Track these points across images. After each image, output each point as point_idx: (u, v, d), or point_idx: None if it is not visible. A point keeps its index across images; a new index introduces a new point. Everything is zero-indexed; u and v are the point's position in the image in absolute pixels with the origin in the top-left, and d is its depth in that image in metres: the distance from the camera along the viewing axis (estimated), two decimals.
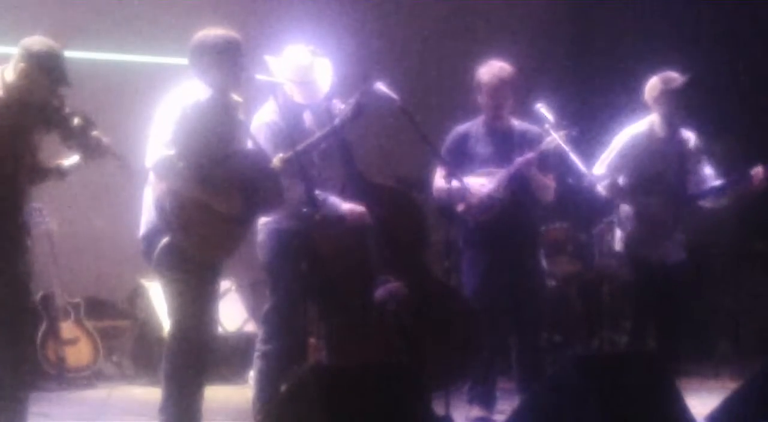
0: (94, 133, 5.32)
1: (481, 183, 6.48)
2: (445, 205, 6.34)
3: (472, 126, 6.68)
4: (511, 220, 6.48)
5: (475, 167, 6.54)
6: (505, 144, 6.57)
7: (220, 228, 5.39)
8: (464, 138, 6.64)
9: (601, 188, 6.70)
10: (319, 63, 6.03)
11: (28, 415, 5.35)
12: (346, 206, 6.00)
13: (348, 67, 6.37)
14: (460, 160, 6.56)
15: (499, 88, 6.52)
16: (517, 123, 6.65)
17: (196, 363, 5.49)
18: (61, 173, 5.51)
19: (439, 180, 6.43)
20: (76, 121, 5.27)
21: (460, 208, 6.45)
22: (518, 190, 6.49)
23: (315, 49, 6.06)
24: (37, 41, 5.25)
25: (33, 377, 7.07)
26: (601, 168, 6.68)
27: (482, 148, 6.59)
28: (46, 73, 5.20)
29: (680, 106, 6.65)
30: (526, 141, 6.53)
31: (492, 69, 6.56)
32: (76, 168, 5.51)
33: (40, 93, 5.22)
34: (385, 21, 9.54)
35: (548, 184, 6.55)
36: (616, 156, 6.69)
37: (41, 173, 5.46)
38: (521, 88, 6.62)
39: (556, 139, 6.42)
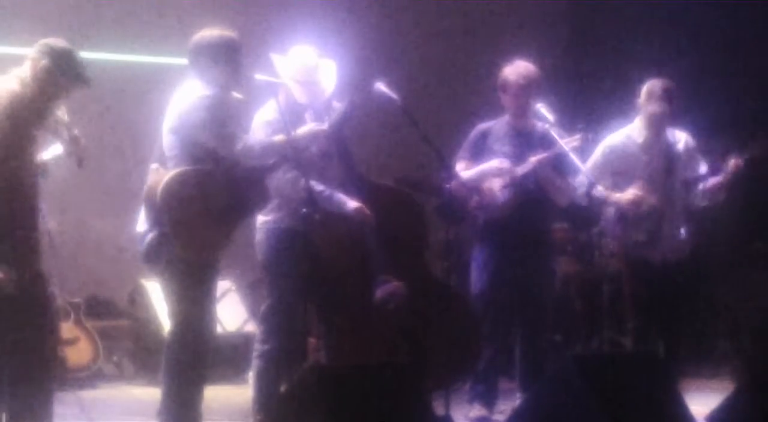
0: (76, 131, 5.34)
1: (495, 180, 6.48)
2: (447, 204, 6.34)
3: (495, 124, 6.70)
4: (523, 219, 6.49)
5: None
6: (524, 144, 6.58)
7: (208, 226, 5.40)
8: (485, 135, 6.66)
9: (577, 194, 6.71)
10: (324, 64, 6.04)
11: (53, 412, 5.36)
12: (352, 204, 6.00)
13: (349, 68, 6.37)
14: (480, 157, 6.58)
15: (526, 87, 6.53)
16: (539, 124, 6.64)
17: (196, 363, 5.49)
18: (45, 170, 5.47)
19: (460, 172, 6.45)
20: (68, 119, 5.30)
21: (473, 202, 6.46)
22: (531, 189, 6.50)
23: (319, 50, 6.08)
24: (57, 41, 5.28)
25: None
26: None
27: (502, 147, 6.60)
28: (66, 70, 5.21)
29: (662, 112, 6.66)
30: (546, 142, 6.53)
31: (519, 69, 6.57)
32: (54, 162, 5.49)
33: (57, 91, 5.22)
34: (385, 21, 9.54)
35: (563, 186, 6.55)
36: (592, 167, 6.71)
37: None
38: (543, 88, 6.63)
39: (572, 141, 6.42)
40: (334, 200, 5.97)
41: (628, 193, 6.62)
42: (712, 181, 6.65)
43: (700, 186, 6.70)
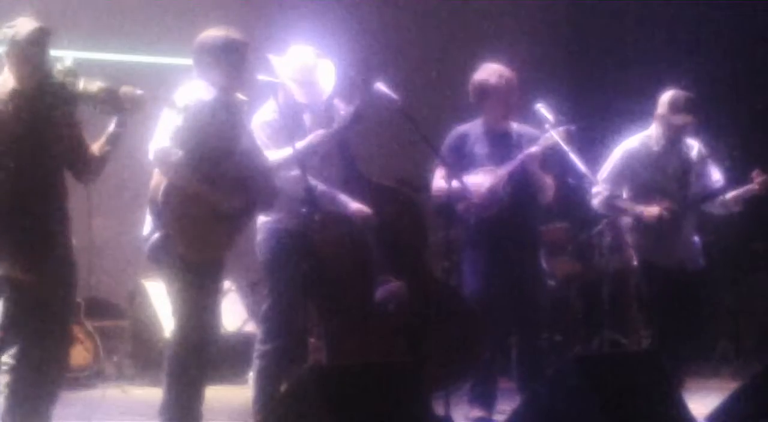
0: (123, 89, 5.13)
1: (482, 180, 6.47)
2: (445, 205, 6.34)
3: (472, 127, 6.68)
4: (511, 219, 6.47)
5: (474, 168, 6.54)
6: (503, 145, 6.57)
7: (210, 226, 5.39)
8: (463, 138, 6.64)
9: (596, 202, 6.71)
10: (323, 64, 6.04)
11: (53, 413, 5.34)
12: (355, 205, 6.01)
13: (348, 68, 6.37)
14: (459, 160, 6.56)
15: (510, 89, 6.53)
16: (515, 125, 6.64)
17: (198, 362, 5.49)
18: (112, 144, 5.26)
19: (439, 180, 6.43)
20: (96, 87, 5.08)
21: (461, 206, 6.44)
22: (519, 188, 6.49)
23: (318, 50, 6.08)
24: (9, 23, 5.06)
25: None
26: (599, 183, 6.69)
27: (481, 149, 6.59)
28: (18, 49, 5.00)
29: (680, 134, 6.67)
30: (525, 142, 6.53)
31: (499, 72, 6.55)
32: (122, 130, 5.26)
33: (30, 70, 5.01)
34: (385, 21, 9.54)
35: (548, 183, 6.55)
36: (611, 172, 6.71)
37: (96, 160, 5.28)
38: (519, 90, 6.62)
39: (556, 135, 6.41)
40: (337, 201, 5.98)
41: (653, 209, 6.60)
42: (733, 193, 6.65)
43: (720, 197, 6.69)
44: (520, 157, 6.44)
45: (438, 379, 5.78)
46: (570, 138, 6.41)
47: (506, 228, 6.46)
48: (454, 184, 6.22)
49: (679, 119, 6.61)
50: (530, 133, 6.56)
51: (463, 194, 6.34)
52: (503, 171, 6.46)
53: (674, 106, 6.61)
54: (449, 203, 6.29)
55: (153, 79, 6.88)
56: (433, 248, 6.59)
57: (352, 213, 6.00)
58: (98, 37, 8.41)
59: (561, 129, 6.41)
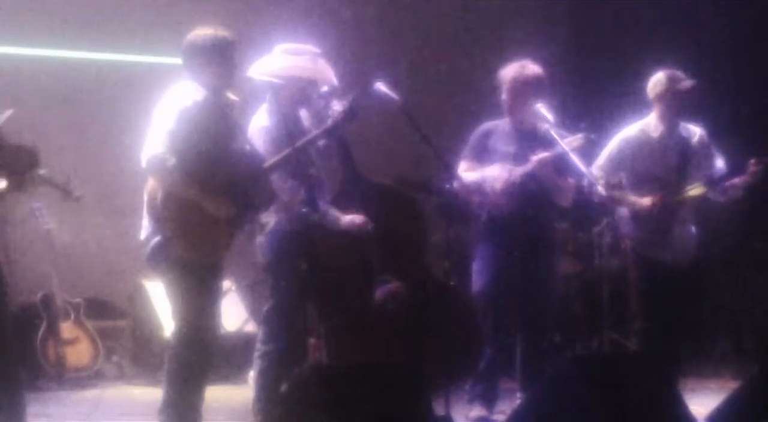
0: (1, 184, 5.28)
1: (496, 174, 6.49)
2: (460, 200, 6.34)
3: (498, 123, 6.70)
4: (525, 219, 6.48)
5: (494, 163, 6.56)
6: (528, 143, 6.56)
7: (209, 229, 5.38)
8: (488, 134, 6.66)
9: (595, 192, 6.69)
10: (321, 62, 6.04)
11: (26, 415, 5.33)
12: (347, 218, 6.00)
13: (348, 67, 6.37)
14: (484, 156, 6.58)
15: (520, 86, 6.53)
16: (544, 125, 6.61)
17: (199, 363, 5.49)
18: None
19: (464, 172, 6.49)
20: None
21: (477, 199, 6.47)
22: (533, 189, 6.49)
23: (314, 48, 6.08)
24: None
25: (29, 376, 7.06)
26: (594, 172, 6.67)
27: (505, 146, 6.59)
28: None
29: (683, 107, 6.65)
30: (549, 142, 6.51)
31: (515, 68, 6.56)
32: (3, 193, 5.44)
33: None
34: (385, 21, 9.54)
35: (565, 187, 6.55)
36: (606, 160, 6.69)
37: None
38: (542, 89, 6.60)
39: (574, 141, 6.40)
40: (328, 217, 5.96)
41: (647, 200, 6.59)
42: (734, 179, 6.61)
43: (720, 184, 6.67)
44: (531, 162, 6.44)
45: (438, 379, 5.78)
46: (590, 145, 6.43)
47: (519, 227, 6.47)
48: (472, 176, 6.29)
49: (685, 85, 6.59)
50: (554, 137, 6.51)
51: (479, 188, 6.36)
52: (517, 173, 6.46)
53: (674, 78, 6.61)
54: (451, 202, 6.28)
55: (152, 79, 6.88)
56: (433, 248, 6.59)
57: (346, 227, 5.99)
58: (98, 37, 8.41)
59: (581, 135, 6.41)
